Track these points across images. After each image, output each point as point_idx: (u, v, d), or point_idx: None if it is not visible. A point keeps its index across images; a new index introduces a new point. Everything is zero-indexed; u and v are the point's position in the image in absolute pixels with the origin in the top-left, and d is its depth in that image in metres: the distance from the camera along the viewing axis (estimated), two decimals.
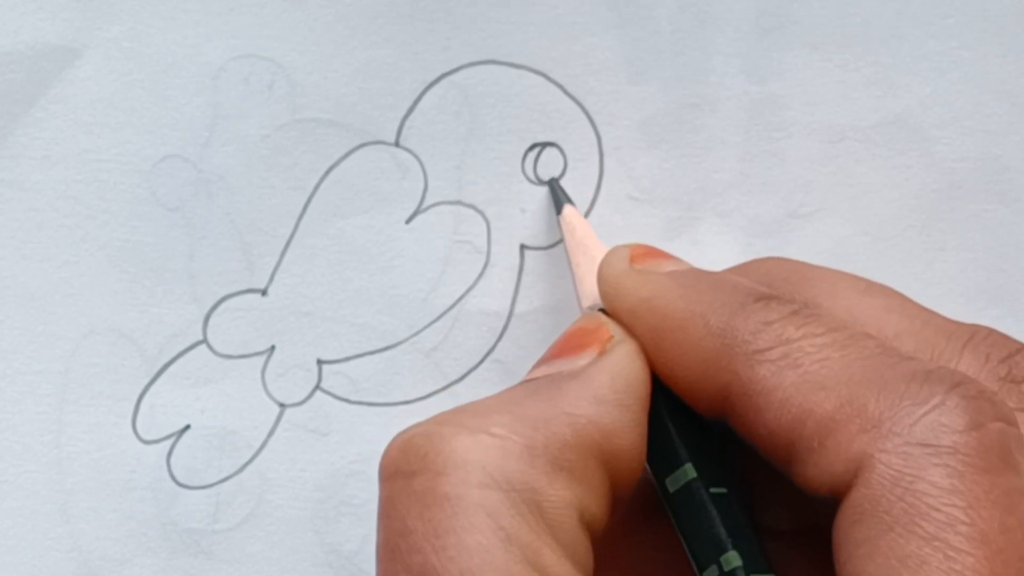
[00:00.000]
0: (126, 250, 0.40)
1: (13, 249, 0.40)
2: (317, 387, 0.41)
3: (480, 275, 0.41)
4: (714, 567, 0.30)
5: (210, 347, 0.40)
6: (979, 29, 0.41)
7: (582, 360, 0.32)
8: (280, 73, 0.40)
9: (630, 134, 0.41)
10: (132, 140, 0.40)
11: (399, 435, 0.30)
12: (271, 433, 0.41)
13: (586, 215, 0.41)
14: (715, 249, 0.41)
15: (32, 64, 0.40)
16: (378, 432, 0.40)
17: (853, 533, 0.28)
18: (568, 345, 0.33)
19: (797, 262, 0.35)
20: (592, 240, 0.37)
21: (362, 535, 0.40)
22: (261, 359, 0.41)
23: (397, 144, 0.40)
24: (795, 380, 0.30)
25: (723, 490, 0.31)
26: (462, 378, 0.40)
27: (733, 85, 0.41)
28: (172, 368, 0.40)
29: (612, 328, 0.33)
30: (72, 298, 0.40)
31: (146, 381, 0.40)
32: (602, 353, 0.32)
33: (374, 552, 0.39)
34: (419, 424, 0.30)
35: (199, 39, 0.40)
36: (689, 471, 0.31)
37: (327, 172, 0.40)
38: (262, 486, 0.40)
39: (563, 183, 0.40)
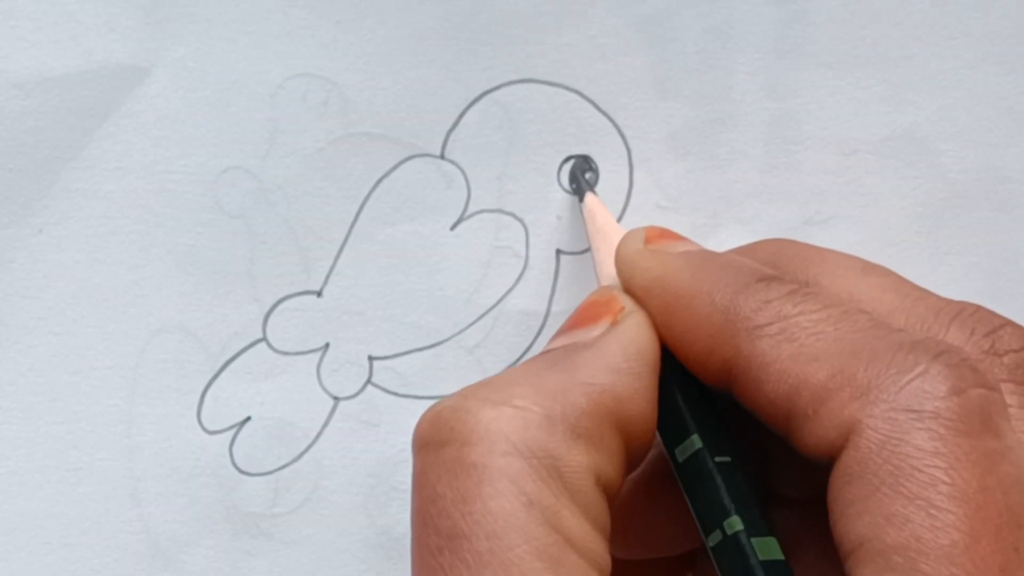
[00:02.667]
0: (191, 254, 0.41)
1: (88, 254, 0.40)
2: (368, 381, 0.41)
3: (519, 278, 0.41)
4: (718, 531, 0.31)
5: (269, 344, 0.41)
6: (982, 49, 0.41)
7: (596, 331, 0.33)
8: (334, 90, 0.40)
9: (658, 147, 0.41)
10: (197, 152, 0.40)
11: (429, 409, 0.31)
12: (326, 424, 0.41)
13: (618, 221, 0.41)
14: None
15: (105, 82, 0.40)
16: None
17: (844, 493, 0.29)
18: (583, 317, 0.33)
19: (802, 243, 0.36)
20: (611, 225, 0.38)
21: (410, 519, 0.40)
22: (316, 356, 0.41)
23: (442, 156, 0.41)
24: (791, 353, 0.30)
25: (727, 459, 0.32)
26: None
27: (754, 102, 0.41)
28: (234, 364, 0.41)
29: (623, 300, 0.33)
30: (142, 299, 0.41)
31: (210, 376, 0.41)
32: (614, 324, 0.33)
33: None
34: (447, 398, 0.31)
35: (259, 59, 0.40)
36: (696, 441, 0.32)
37: (378, 182, 0.41)
38: (317, 473, 0.41)
39: (596, 190, 0.41)
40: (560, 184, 0.41)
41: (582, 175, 0.39)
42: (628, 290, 0.34)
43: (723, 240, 0.41)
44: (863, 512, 0.28)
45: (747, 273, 0.32)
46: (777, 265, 0.34)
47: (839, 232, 0.42)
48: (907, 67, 0.41)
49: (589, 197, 0.39)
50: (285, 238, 0.41)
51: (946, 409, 0.28)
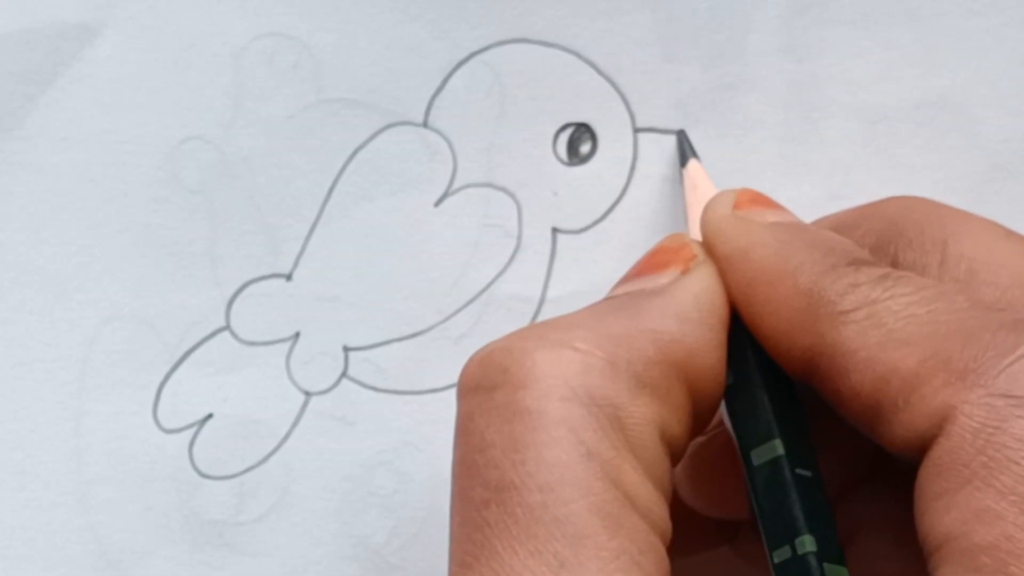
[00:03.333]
0: (147, 234, 0.40)
1: (31, 233, 0.40)
2: (343, 375, 0.40)
3: (511, 259, 0.41)
4: (787, 547, 0.30)
5: (233, 334, 0.40)
6: None
7: (665, 278, 0.32)
8: (305, 52, 0.40)
9: (665, 114, 0.41)
10: (153, 121, 0.40)
11: (478, 351, 0.31)
12: (296, 422, 0.40)
13: (620, 196, 0.41)
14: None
15: (50, 43, 0.40)
16: (406, 421, 0.40)
17: (932, 486, 0.28)
18: (651, 263, 0.33)
19: (935, 203, 0.36)
20: (711, 188, 0.38)
21: (390, 526, 0.40)
22: (286, 346, 0.40)
23: (425, 125, 0.40)
24: (879, 339, 0.30)
25: (808, 473, 0.31)
26: None
27: (771, 64, 0.41)
28: (194, 355, 0.40)
29: (695, 248, 0.33)
30: (91, 283, 0.40)
31: (167, 369, 0.40)
32: (685, 272, 0.32)
33: (404, 543, 0.40)
34: (499, 339, 0.31)
35: (221, 17, 0.40)
36: (777, 447, 0.31)
37: (353, 154, 0.40)
38: (287, 476, 0.40)
39: (593, 164, 0.40)
40: (556, 155, 0.41)
41: (688, 143, 0.40)
42: (712, 256, 0.34)
43: None
44: (951, 507, 0.28)
45: (837, 254, 0.32)
46: (908, 222, 0.34)
47: None
48: (941, 25, 0.41)
49: (693, 164, 0.39)
50: (250, 216, 0.40)
51: None
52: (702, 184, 0.38)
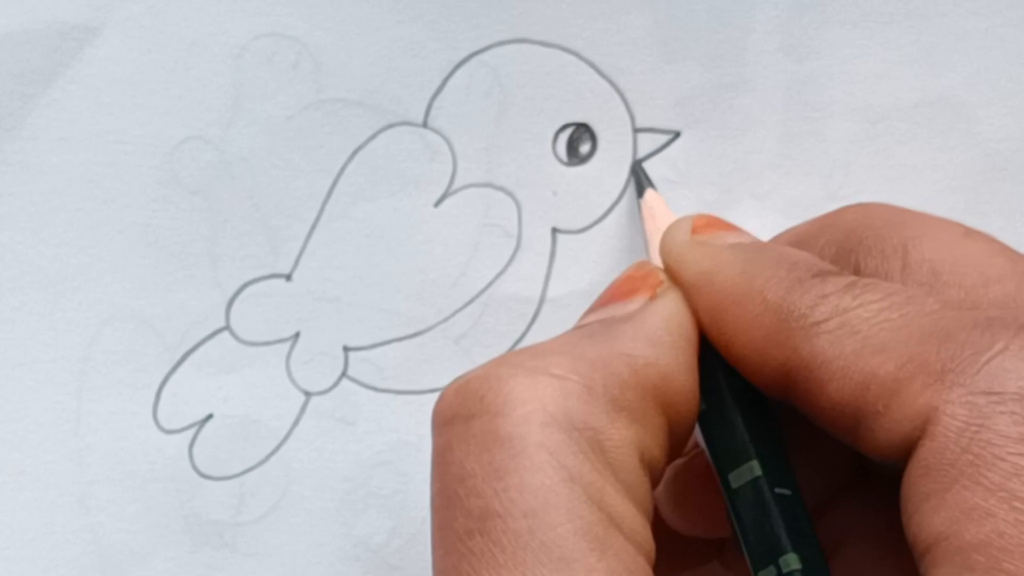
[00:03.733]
0: (146, 234, 0.40)
1: (31, 234, 0.40)
2: (343, 375, 0.40)
3: (511, 259, 0.40)
4: (772, 567, 0.30)
5: (233, 334, 0.40)
6: (1023, 6, 0.41)
7: (633, 304, 0.32)
8: (305, 52, 0.40)
9: (665, 114, 0.41)
10: (152, 121, 0.40)
11: (453, 381, 0.31)
12: (296, 422, 0.40)
13: (619, 198, 0.41)
14: (752, 231, 0.40)
15: (49, 43, 0.40)
16: (406, 421, 0.40)
17: (919, 488, 0.28)
18: (619, 291, 0.33)
19: (892, 207, 0.36)
20: (670, 216, 0.38)
21: (390, 527, 0.40)
22: (286, 346, 0.40)
23: (425, 125, 0.40)
24: (855, 347, 0.30)
25: (787, 491, 0.31)
26: None
27: (771, 64, 0.41)
28: (194, 356, 0.40)
29: (661, 274, 0.33)
30: (91, 284, 0.40)
31: (167, 369, 0.40)
32: (653, 298, 0.33)
33: (404, 543, 0.39)
34: (474, 369, 0.31)
35: (221, 17, 0.40)
36: (754, 468, 0.31)
37: (353, 154, 0.40)
38: (287, 477, 0.40)
39: (593, 164, 0.40)
40: (556, 155, 0.40)
41: (644, 174, 0.40)
42: (675, 284, 0.34)
43: (737, 218, 0.40)
44: (939, 507, 0.28)
45: (802, 268, 0.32)
46: (870, 230, 0.34)
47: None
48: (941, 25, 0.41)
49: (650, 193, 0.39)
50: (250, 216, 0.40)
51: None
52: (660, 213, 0.38)
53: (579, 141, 0.40)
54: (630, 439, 0.30)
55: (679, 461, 0.35)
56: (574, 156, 0.40)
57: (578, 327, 0.33)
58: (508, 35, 0.40)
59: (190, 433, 0.40)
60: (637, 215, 0.40)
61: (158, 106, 0.40)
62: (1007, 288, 0.32)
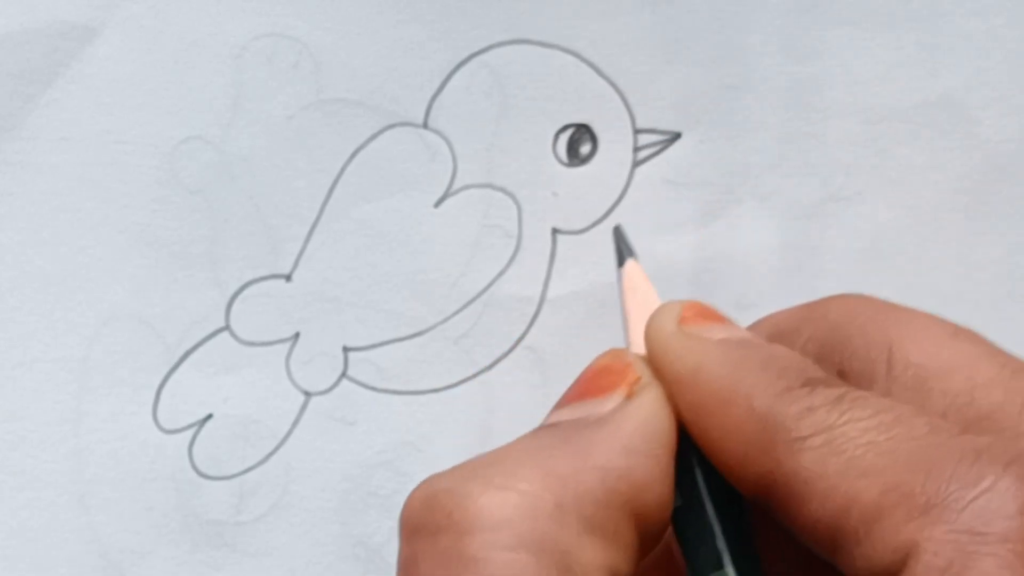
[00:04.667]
0: (146, 234, 0.40)
1: (31, 233, 0.40)
2: (343, 375, 0.40)
3: (511, 260, 0.40)
4: None
5: (233, 334, 0.40)
6: None
7: (609, 403, 0.31)
8: (305, 52, 0.40)
9: (665, 115, 0.40)
10: (152, 121, 0.40)
11: (421, 487, 0.30)
12: (296, 422, 0.40)
13: (620, 198, 0.41)
14: (753, 233, 0.41)
15: (49, 43, 0.40)
16: (405, 421, 0.40)
17: None
18: (593, 385, 0.32)
19: (881, 302, 0.34)
20: (651, 293, 0.36)
21: (389, 527, 0.40)
22: (285, 346, 0.40)
23: (425, 126, 0.40)
24: (839, 467, 0.29)
25: None
26: (492, 365, 0.40)
27: (772, 65, 0.40)
28: (194, 356, 0.40)
29: (639, 368, 0.32)
30: (91, 284, 0.40)
31: (167, 369, 0.40)
32: (630, 396, 0.31)
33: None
34: (443, 476, 0.30)
35: (221, 17, 0.40)
36: (730, 574, 0.31)
37: (353, 154, 0.40)
38: (286, 476, 0.40)
39: (593, 165, 0.40)
40: (556, 156, 0.40)
41: (624, 239, 0.38)
42: (657, 374, 0.32)
43: (738, 218, 0.41)
44: None
45: (791, 374, 0.31)
46: (852, 327, 0.33)
47: (866, 209, 0.41)
48: (942, 26, 0.41)
49: (631, 264, 0.37)
50: (250, 216, 0.40)
51: (1016, 531, 0.27)
52: (642, 288, 0.36)
53: (579, 142, 0.40)
54: (599, 561, 0.29)
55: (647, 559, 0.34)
56: (574, 157, 0.40)
57: (550, 426, 0.31)
58: (508, 35, 0.40)
59: (190, 433, 0.40)
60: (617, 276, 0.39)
61: (158, 106, 0.40)
62: (994, 397, 0.31)
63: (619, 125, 0.40)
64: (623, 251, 0.37)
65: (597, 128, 0.40)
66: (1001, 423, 0.30)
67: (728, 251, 0.41)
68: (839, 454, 0.29)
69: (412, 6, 0.40)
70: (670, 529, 0.32)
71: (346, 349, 0.40)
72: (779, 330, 0.34)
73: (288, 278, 0.40)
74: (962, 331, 0.33)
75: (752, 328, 0.36)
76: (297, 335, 0.40)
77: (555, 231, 0.40)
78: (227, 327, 0.40)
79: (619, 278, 0.36)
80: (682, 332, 0.32)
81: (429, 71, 0.40)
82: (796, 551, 0.31)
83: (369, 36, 0.40)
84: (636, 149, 0.40)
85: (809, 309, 0.35)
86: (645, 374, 0.32)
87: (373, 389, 0.40)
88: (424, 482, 0.30)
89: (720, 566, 0.31)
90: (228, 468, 0.40)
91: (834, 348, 0.33)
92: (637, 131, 0.40)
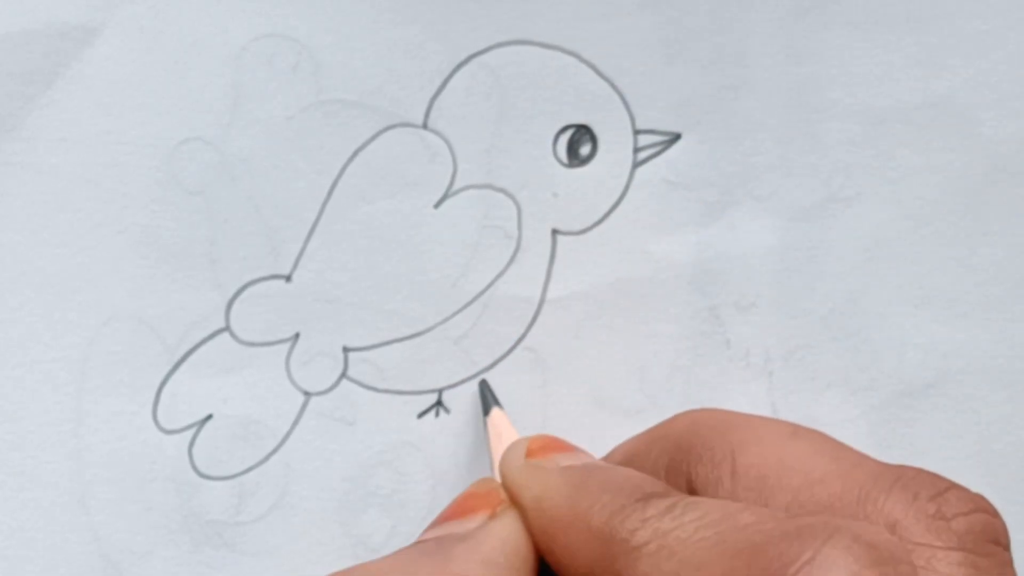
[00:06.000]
0: (146, 235, 0.40)
1: (30, 234, 0.40)
2: (343, 375, 0.40)
3: (511, 260, 0.40)
4: None
5: (233, 334, 0.40)
6: None
7: (473, 523, 0.33)
8: (304, 53, 0.40)
9: (665, 116, 0.40)
10: (152, 122, 0.40)
11: None
12: (296, 422, 0.40)
13: (619, 200, 0.40)
14: (753, 233, 0.41)
15: (49, 43, 0.39)
16: (406, 421, 0.40)
17: None
18: (461, 508, 0.34)
19: (724, 411, 0.36)
20: (513, 434, 0.38)
21: (389, 527, 0.40)
22: (285, 347, 0.40)
23: (425, 126, 0.40)
24: (673, 568, 0.30)
25: None
26: (492, 366, 0.40)
27: (772, 66, 0.40)
28: (194, 356, 0.40)
29: (503, 493, 0.34)
30: (91, 284, 0.40)
31: (167, 369, 0.40)
32: (492, 517, 0.33)
33: (403, 542, 0.40)
34: None
35: (221, 18, 0.40)
36: None
37: (353, 155, 0.40)
38: (286, 477, 0.40)
39: (593, 166, 0.40)
40: (556, 157, 0.40)
41: (489, 391, 0.40)
42: (514, 506, 0.34)
43: (738, 219, 0.41)
44: None
45: (627, 491, 0.32)
46: (696, 438, 0.35)
47: (866, 210, 0.41)
48: (942, 27, 0.41)
49: (495, 412, 0.39)
50: (250, 217, 0.40)
51: None
52: (505, 432, 0.38)
53: (579, 143, 0.40)
54: None
55: None
56: (574, 158, 0.40)
57: (418, 543, 0.33)
58: (508, 36, 0.40)
59: (190, 433, 0.40)
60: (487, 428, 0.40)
61: (158, 106, 0.40)
62: (832, 488, 0.32)
63: (619, 126, 0.40)
64: (488, 401, 0.39)
65: (597, 129, 0.40)
66: (841, 512, 0.31)
67: (728, 251, 0.41)
68: (672, 556, 0.30)
69: (412, 7, 0.40)
70: None
71: (346, 349, 0.40)
72: (632, 454, 0.36)
73: (288, 278, 0.40)
74: (801, 430, 0.34)
75: (608, 456, 0.38)
76: (297, 335, 0.40)
77: (555, 232, 0.40)
78: (227, 327, 0.40)
79: (485, 425, 0.39)
80: (528, 464, 0.35)
81: (429, 72, 0.40)
82: None
83: (369, 37, 0.40)
84: (636, 150, 0.40)
85: (658, 428, 0.37)
86: (507, 498, 0.34)
87: (373, 389, 0.40)
88: None
89: None
90: (228, 468, 0.40)
91: (682, 459, 0.34)
92: (637, 132, 0.40)
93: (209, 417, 0.40)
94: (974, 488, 0.32)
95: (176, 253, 0.40)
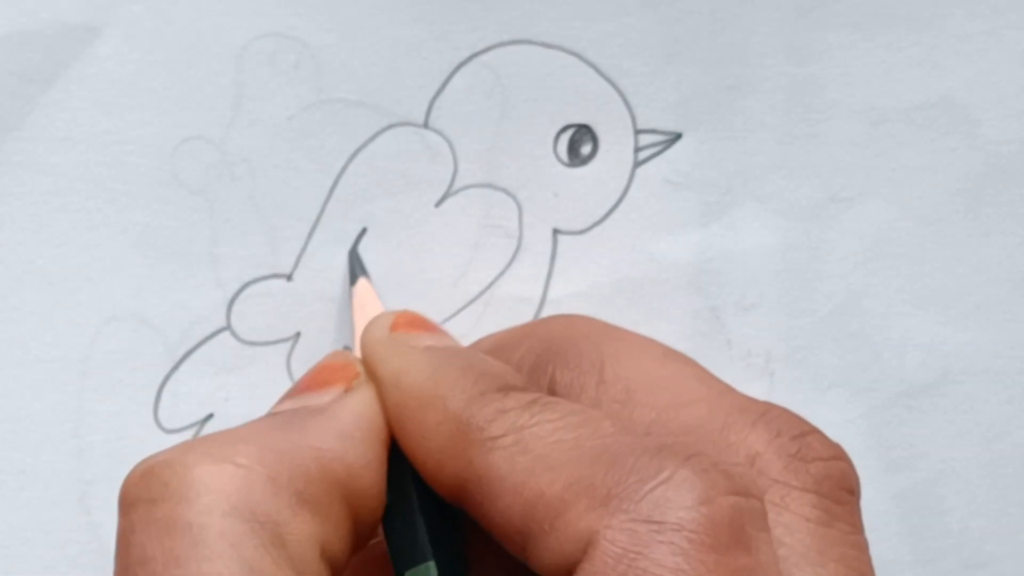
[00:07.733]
0: (147, 234, 0.40)
1: (32, 233, 0.40)
2: None
3: (511, 260, 0.40)
4: None
5: (234, 334, 0.40)
6: None
7: (328, 396, 0.33)
8: (306, 52, 0.40)
9: (666, 116, 0.40)
10: (153, 121, 0.40)
11: (140, 463, 0.31)
12: None
13: (620, 200, 0.40)
14: (753, 234, 0.40)
15: (51, 43, 0.39)
16: None
17: None
18: (315, 381, 0.33)
19: (599, 322, 0.36)
20: (379, 307, 0.38)
21: None
22: (286, 346, 0.40)
23: (426, 126, 0.40)
24: (526, 465, 0.30)
25: None
26: None
27: (772, 66, 0.40)
28: (195, 355, 0.40)
29: (358, 366, 0.34)
30: (92, 283, 0.40)
31: (168, 369, 0.40)
32: (348, 390, 0.33)
33: None
34: (162, 452, 0.31)
35: (222, 17, 0.40)
36: (431, 569, 0.31)
37: (354, 154, 0.40)
38: None
39: (594, 165, 0.40)
40: (557, 156, 0.40)
41: (359, 262, 0.40)
42: (371, 380, 0.34)
43: (738, 219, 0.41)
44: None
45: (488, 379, 0.32)
46: (566, 343, 0.34)
47: (867, 210, 0.41)
48: (943, 27, 0.41)
49: (361, 282, 0.39)
50: (251, 216, 0.40)
51: (691, 520, 0.28)
52: (370, 303, 0.38)
53: (580, 142, 0.40)
54: (312, 534, 0.30)
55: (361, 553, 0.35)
56: (575, 157, 0.40)
57: (272, 414, 0.33)
58: (509, 36, 0.40)
59: (191, 433, 0.40)
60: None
61: (159, 106, 0.40)
62: (698, 412, 0.32)
63: (620, 125, 0.40)
64: (356, 271, 0.39)
65: (598, 128, 0.40)
66: (704, 437, 0.31)
67: (728, 252, 0.41)
68: (527, 452, 0.30)
69: (413, 6, 0.40)
70: None
71: (346, 349, 0.40)
72: (499, 345, 0.36)
73: (289, 277, 0.40)
74: (673, 353, 0.34)
75: (475, 344, 0.37)
76: (298, 335, 0.40)
77: (556, 231, 0.40)
78: (228, 327, 0.40)
79: (351, 295, 0.39)
80: (391, 338, 0.34)
81: (430, 71, 0.40)
82: (510, 562, 0.32)
83: (370, 36, 0.40)
84: (637, 149, 0.40)
85: (530, 326, 0.36)
86: (363, 372, 0.33)
87: None
88: (144, 459, 0.31)
89: (418, 562, 0.31)
90: None
91: (549, 360, 0.34)
92: (638, 131, 0.40)
93: (210, 416, 0.40)
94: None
95: (177, 252, 0.40)
